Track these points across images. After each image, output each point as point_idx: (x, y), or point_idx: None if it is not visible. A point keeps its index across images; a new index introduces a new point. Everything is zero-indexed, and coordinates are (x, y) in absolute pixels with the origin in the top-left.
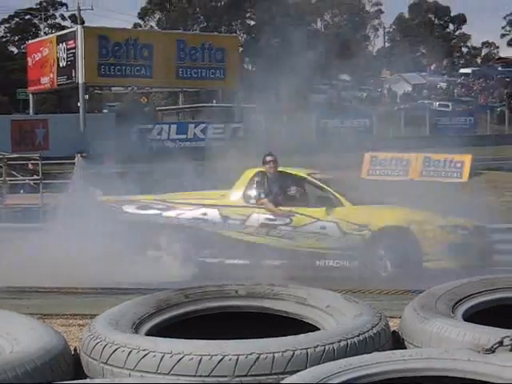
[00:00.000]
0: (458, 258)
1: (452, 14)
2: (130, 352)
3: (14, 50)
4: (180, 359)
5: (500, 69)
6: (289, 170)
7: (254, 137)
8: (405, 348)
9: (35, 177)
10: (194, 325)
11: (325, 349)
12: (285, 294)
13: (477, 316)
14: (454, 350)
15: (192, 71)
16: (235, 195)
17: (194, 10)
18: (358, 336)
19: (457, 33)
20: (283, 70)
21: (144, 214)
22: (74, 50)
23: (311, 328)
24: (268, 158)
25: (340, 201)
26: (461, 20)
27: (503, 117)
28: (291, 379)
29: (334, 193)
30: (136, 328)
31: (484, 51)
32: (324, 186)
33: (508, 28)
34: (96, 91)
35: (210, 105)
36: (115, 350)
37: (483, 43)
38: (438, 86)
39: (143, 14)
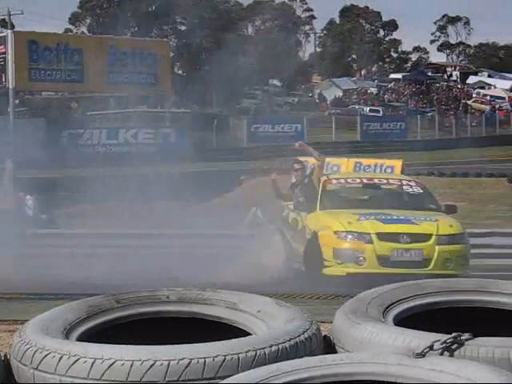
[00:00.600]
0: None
1: (384, 20)
2: (61, 357)
3: None
4: (111, 364)
5: (430, 74)
6: None
7: (185, 142)
8: (336, 353)
9: None
10: (126, 330)
11: (256, 354)
12: (215, 299)
13: (408, 320)
14: (384, 354)
15: (123, 76)
16: None
17: (125, 15)
18: (290, 341)
19: (387, 38)
20: (214, 76)
21: None
22: (4, 55)
23: (243, 333)
24: (296, 166)
25: None
26: (392, 26)
27: (434, 122)
28: None
29: None
30: (67, 333)
31: (415, 56)
32: None
33: (437, 34)
34: (27, 96)
35: (141, 110)
36: (46, 356)
37: (414, 48)
38: (369, 91)
39: (74, 19)
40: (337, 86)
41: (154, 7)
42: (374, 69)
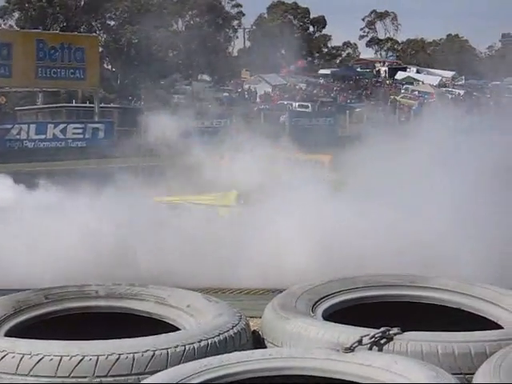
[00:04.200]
0: None
1: (312, 16)
2: None
3: None
4: (39, 360)
5: (359, 70)
6: None
7: (113, 137)
8: (265, 347)
9: None
10: (55, 325)
11: (185, 349)
12: (145, 294)
13: (337, 315)
14: (314, 349)
15: (51, 71)
16: None
17: (54, 9)
18: (219, 336)
19: (317, 34)
20: (143, 71)
21: None
22: None
23: (173, 328)
24: None
25: None
26: (321, 22)
27: (362, 117)
28: (151, 379)
29: None
30: None
31: (345, 52)
32: None
33: (366, 29)
34: None
35: (70, 105)
36: None
37: (344, 44)
38: (298, 86)
39: (2, 12)
40: (266, 82)
41: (82, 2)
42: (303, 64)
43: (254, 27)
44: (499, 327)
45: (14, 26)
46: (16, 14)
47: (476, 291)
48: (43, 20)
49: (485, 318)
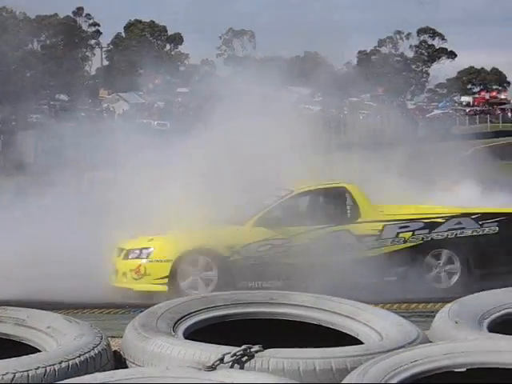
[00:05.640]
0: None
1: (169, 33)
2: None
3: None
4: None
5: None
6: None
7: None
8: (127, 367)
9: None
10: None
11: (46, 370)
12: (3, 315)
13: (199, 334)
14: (175, 367)
15: None
16: None
17: None
18: (79, 357)
19: (173, 52)
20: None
21: None
22: None
23: (34, 350)
24: None
25: None
26: (177, 39)
27: None
28: None
29: None
30: None
31: (203, 69)
32: None
33: (223, 47)
34: None
35: None
36: None
37: (202, 61)
38: (156, 105)
39: None
40: (124, 100)
41: None
42: (160, 82)
43: (111, 46)
44: (359, 342)
45: None
46: None
47: (333, 306)
48: None
49: (345, 333)
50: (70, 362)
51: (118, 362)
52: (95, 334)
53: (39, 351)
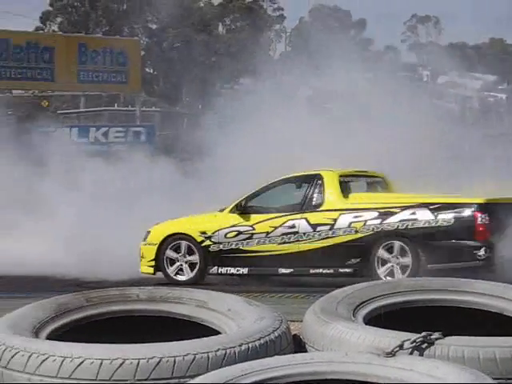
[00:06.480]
0: None
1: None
2: (30, 356)
3: None
4: (80, 363)
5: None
6: None
7: (155, 141)
8: (306, 351)
9: None
10: (96, 329)
11: (226, 352)
12: (185, 297)
13: (378, 319)
14: (354, 353)
15: (93, 75)
16: None
17: (97, 13)
18: (259, 340)
19: (357, 38)
20: (185, 74)
21: None
22: None
23: (213, 332)
24: None
25: None
26: (361, 24)
27: None
28: (195, 381)
29: None
30: (36, 332)
31: (387, 55)
32: None
33: (408, 33)
34: None
35: (112, 108)
36: (15, 354)
37: (386, 47)
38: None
39: (45, 17)
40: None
41: (125, 6)
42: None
43: (294, 31)
44: None
45: (57, 31)
46: (59, 19)
47: None
48: (86, 24)
49: None
50: (250, 345)
51: (298, 345)
52: (275, 318)
53: (219, 333)
